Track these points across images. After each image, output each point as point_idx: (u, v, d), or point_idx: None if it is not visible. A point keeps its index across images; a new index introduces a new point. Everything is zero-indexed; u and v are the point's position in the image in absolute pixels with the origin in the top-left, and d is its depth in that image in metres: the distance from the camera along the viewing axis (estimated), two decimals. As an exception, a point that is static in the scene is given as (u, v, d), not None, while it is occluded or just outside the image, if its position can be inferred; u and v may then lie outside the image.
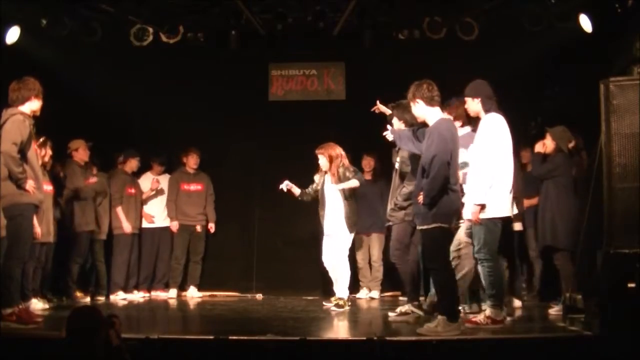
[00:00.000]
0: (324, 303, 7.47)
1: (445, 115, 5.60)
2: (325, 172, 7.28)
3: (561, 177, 6.56)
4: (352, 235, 7.29)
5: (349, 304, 7.18)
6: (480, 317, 5.47)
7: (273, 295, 8.52)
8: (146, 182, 8.77)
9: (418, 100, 5.38)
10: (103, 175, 8.28)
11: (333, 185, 7.20)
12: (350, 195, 7.21)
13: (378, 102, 6.62)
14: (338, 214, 7.19)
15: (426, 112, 5.38)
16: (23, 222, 5.49)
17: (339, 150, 7.24)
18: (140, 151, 8.68)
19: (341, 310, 6.96)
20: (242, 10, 7.92)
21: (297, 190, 7.44)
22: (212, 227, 8.95)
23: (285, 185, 7.42)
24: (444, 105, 5.67)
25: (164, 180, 8.89)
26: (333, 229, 7.22)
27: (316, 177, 7.46)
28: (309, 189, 7.46)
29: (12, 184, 5.41)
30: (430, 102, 5.34)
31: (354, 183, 7.14)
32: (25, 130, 5.47)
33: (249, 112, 9.05)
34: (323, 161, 7.24)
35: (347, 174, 7.14)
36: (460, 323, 5.16)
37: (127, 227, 8.33)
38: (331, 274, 7.34)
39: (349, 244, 7.33)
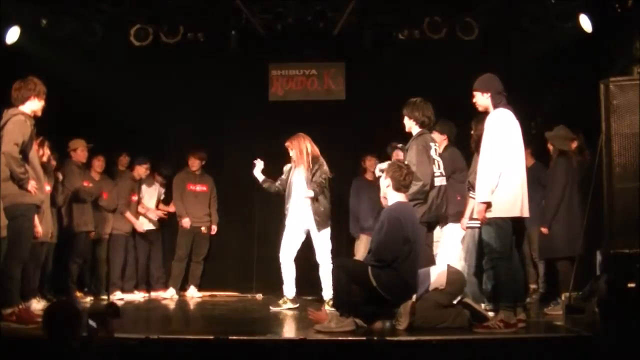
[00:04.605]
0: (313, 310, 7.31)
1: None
2: (295, 165, 7.18)
3: (560, 181, 6.37)
4: (328, 230, 7.14)
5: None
6: (492, 321, 5.20)
7: (273, 295, 8.49)
8: (149, 190, 8.82)
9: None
10: (108, 179, 8.29)
11: (302, 181, 7.11)
12: (319, 193, 7.07)
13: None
14: (306, 210, 7.11)
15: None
16: (24, 223, 5.48)
17: (307, 142, 7.14)
18: (140, 150, 8.67)
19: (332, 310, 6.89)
20: (242, 10, 7.92)
21: (260, 176, 7.35)
22: (214, 229, 8.96)
23: (258, 164, 7.37)
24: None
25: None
26: (308, 226, 7.15)
27: (285, 168, 7.36)
28: (278, 182, 7.36)
29: (13, 184, 5.40)
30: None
31: (311, 194, 7.00)
32: (26, 130, 5.46)
33: (249, 112, 9.05)
34: (293, 154, 7.16)
35: (318, 176, 7.01)
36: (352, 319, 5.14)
37: (139, 224, 8.49)
38: (286, 273, 7.25)
39: (328, 241, 7.20)
